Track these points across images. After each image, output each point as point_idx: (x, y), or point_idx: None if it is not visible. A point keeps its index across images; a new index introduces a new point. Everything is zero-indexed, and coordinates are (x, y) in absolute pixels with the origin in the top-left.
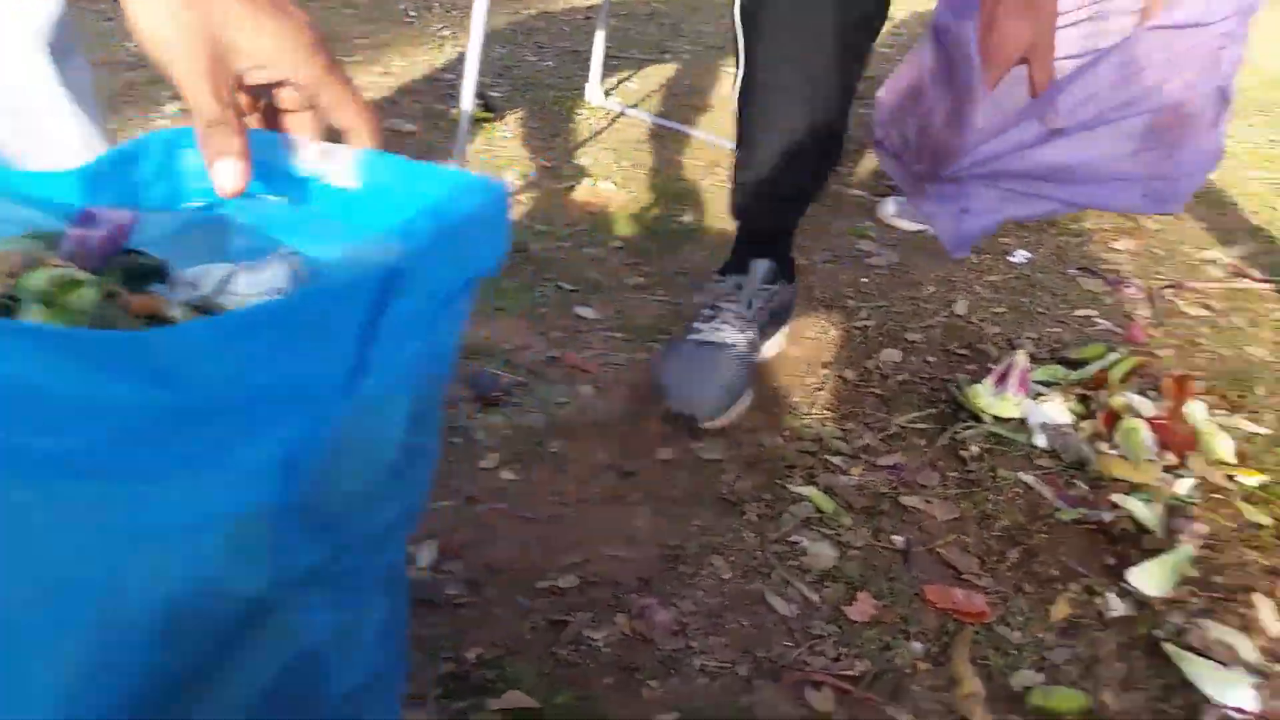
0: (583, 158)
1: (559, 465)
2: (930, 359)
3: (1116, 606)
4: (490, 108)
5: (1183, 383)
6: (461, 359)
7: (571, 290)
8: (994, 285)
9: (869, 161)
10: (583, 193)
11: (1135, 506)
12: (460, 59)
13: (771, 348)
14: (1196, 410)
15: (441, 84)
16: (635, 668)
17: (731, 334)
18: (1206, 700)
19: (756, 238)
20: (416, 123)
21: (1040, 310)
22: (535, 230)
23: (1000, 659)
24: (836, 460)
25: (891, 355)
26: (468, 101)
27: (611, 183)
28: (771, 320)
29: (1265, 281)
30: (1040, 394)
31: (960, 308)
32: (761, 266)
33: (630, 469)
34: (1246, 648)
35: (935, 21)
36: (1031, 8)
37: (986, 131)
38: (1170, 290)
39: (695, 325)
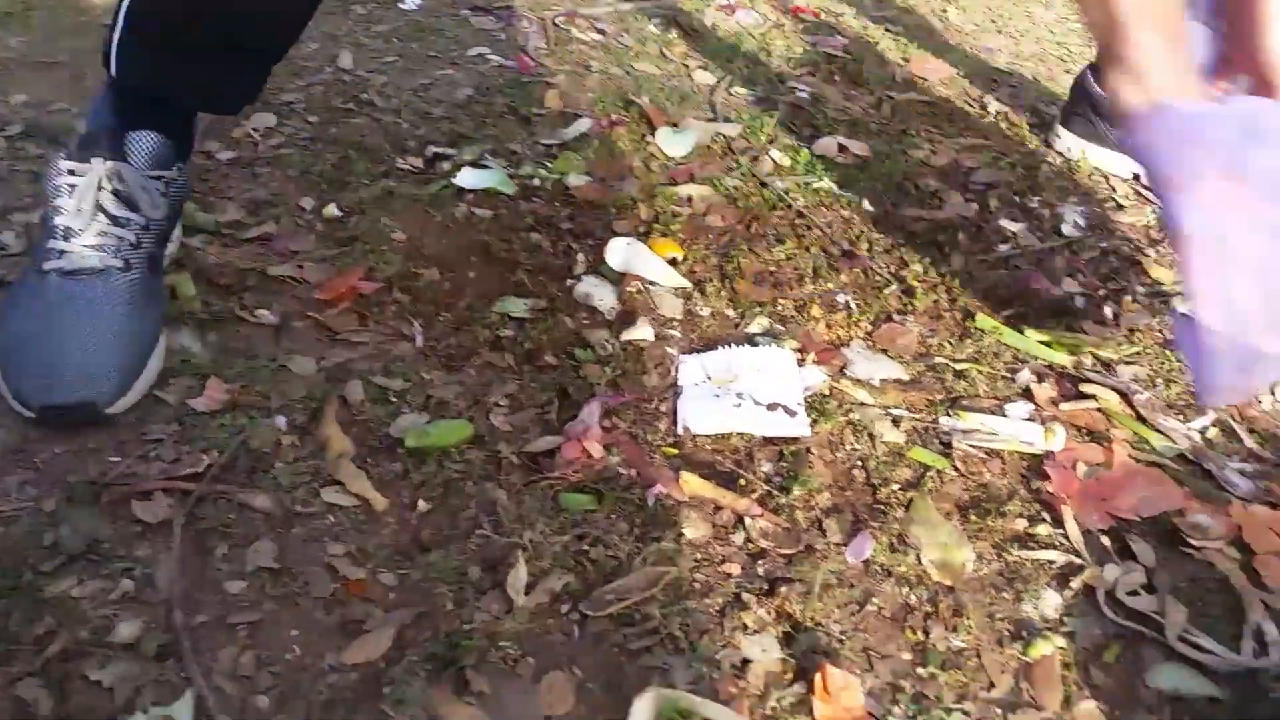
0: None
1: None
2: (311, 119)
3: (510, 322)
4: None
5: None
6: None
7: None
8: (383, 35)
9: None
10: None
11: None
12: None
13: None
14: None
15: None
16: None
17: (112, 254)
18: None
19: (142, 95)
20: None
21: (432, 54)
22: None
23: (381, 409)
24: (196, 241)
25: (265, 120)
26: None
27: None
28: (170, 218)
29: (650, 1)
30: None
31: (345, 61)
32: (147, 143)
33: None
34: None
35: None
36: None
37: None
38: (564, 19)
39: (49, 246)
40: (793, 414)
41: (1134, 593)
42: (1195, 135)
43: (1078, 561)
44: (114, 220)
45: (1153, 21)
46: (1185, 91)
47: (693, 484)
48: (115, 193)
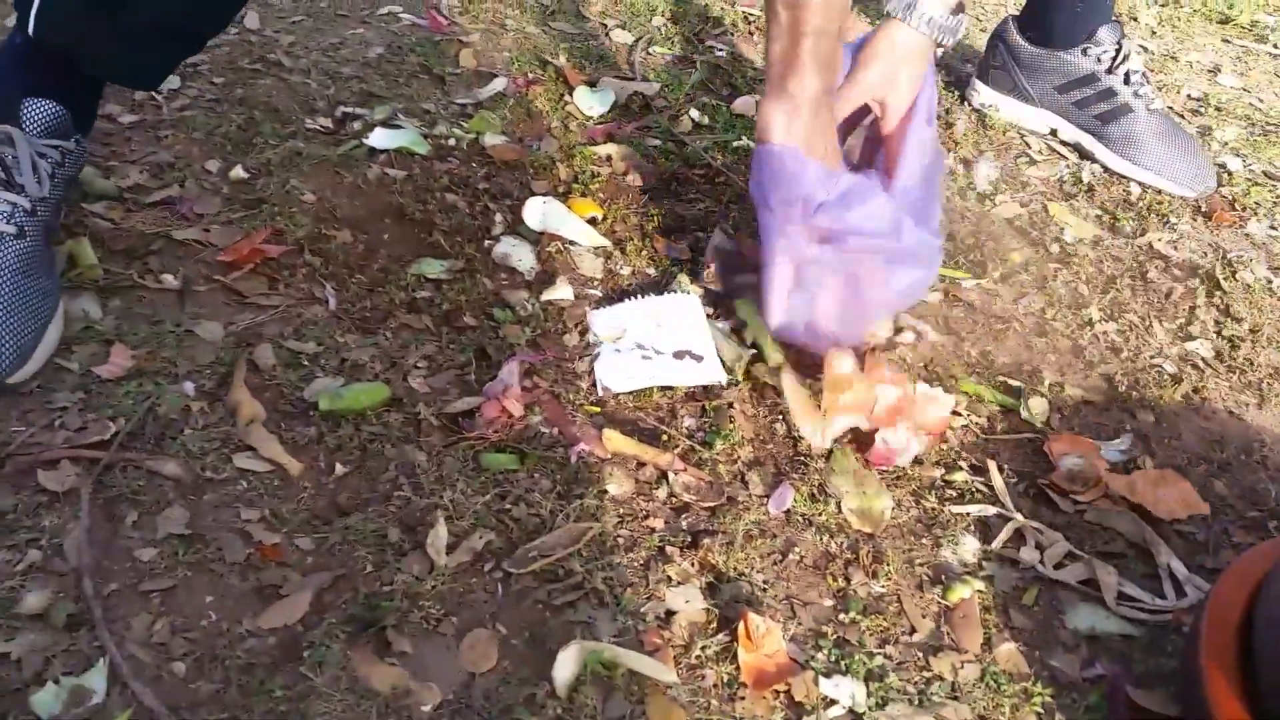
0: None
1: None
2: (217, 80)
3: (427, 284)
4: None
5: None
6: None
7: None
8: None
9: None
10: None
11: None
12: None
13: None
14: None
15: None
16: None
17: (4, 220)
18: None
19: (55, 59)
20: None
21: (342, 13)
22: None
23: (293, 373)
24: (97, 207)
25: (169, 82)
26: None
27: None
28: (67, 188)
29: None
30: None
31: (252, 21)
32: (43, 111)
33: None
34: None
35: None
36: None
37: None
38: None
39: None
40: (699, 359)
41: (1060, 565)
42: (807, 183)
43: (995, 509)
44: (6, 185)
45: (822, 66)
46: (819, 146)
47: (615, 441)
48: (2, 158)
